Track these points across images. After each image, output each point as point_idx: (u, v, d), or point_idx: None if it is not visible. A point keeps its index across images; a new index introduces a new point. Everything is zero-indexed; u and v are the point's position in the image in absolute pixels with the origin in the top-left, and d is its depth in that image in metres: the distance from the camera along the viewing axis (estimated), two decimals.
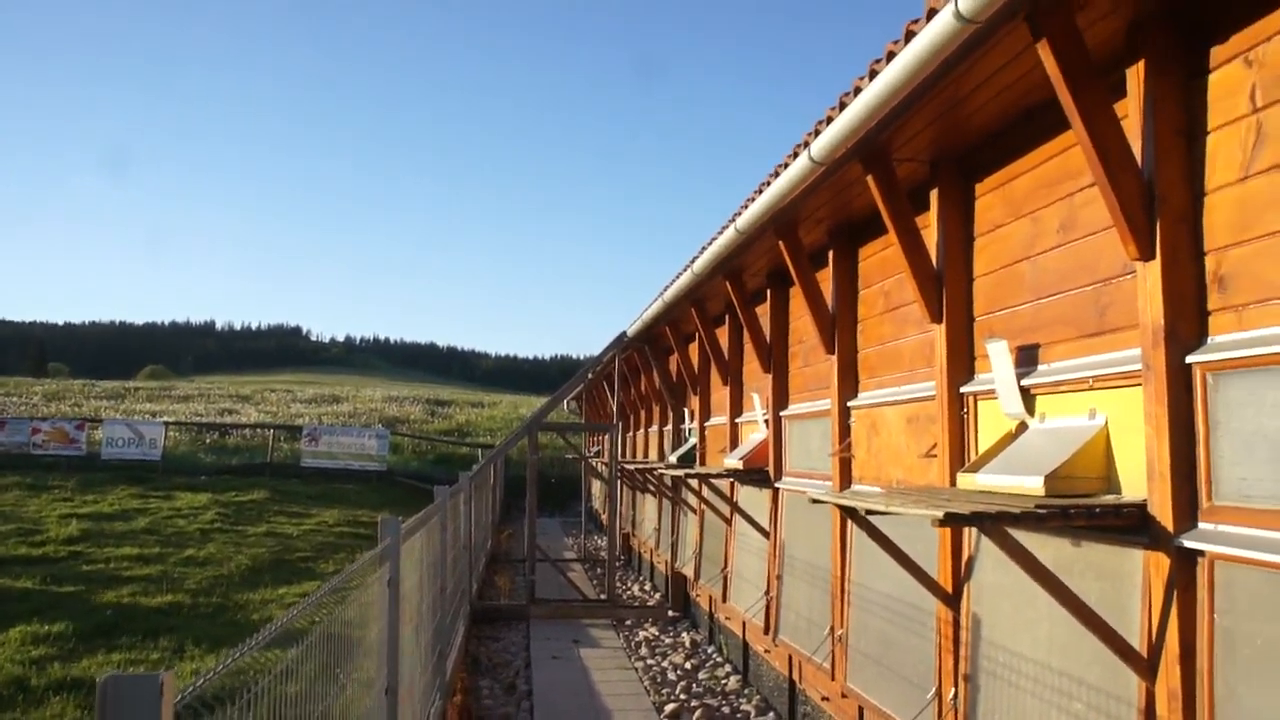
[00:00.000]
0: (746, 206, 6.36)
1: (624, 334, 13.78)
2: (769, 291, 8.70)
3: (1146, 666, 3.43)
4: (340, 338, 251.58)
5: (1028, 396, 4.40)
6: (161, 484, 25.77)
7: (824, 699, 7.23)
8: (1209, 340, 3.29)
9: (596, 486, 25.12)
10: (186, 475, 27.67)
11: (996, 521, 3.40)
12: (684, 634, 12.24)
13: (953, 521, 3.32)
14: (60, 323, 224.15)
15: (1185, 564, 3.29)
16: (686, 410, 13.47)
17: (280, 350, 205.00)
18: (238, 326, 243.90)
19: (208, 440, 34.03)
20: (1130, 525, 3.49)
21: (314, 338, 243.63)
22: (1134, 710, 3.52)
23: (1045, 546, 4.10)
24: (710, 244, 7.59)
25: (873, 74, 4.17)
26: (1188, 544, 3.26)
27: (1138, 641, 3.49)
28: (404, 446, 34.54)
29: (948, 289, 5.03)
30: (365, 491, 27.48)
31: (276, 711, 2.76)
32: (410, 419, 42.30)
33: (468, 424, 42.52)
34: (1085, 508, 3.47)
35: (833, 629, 6.83)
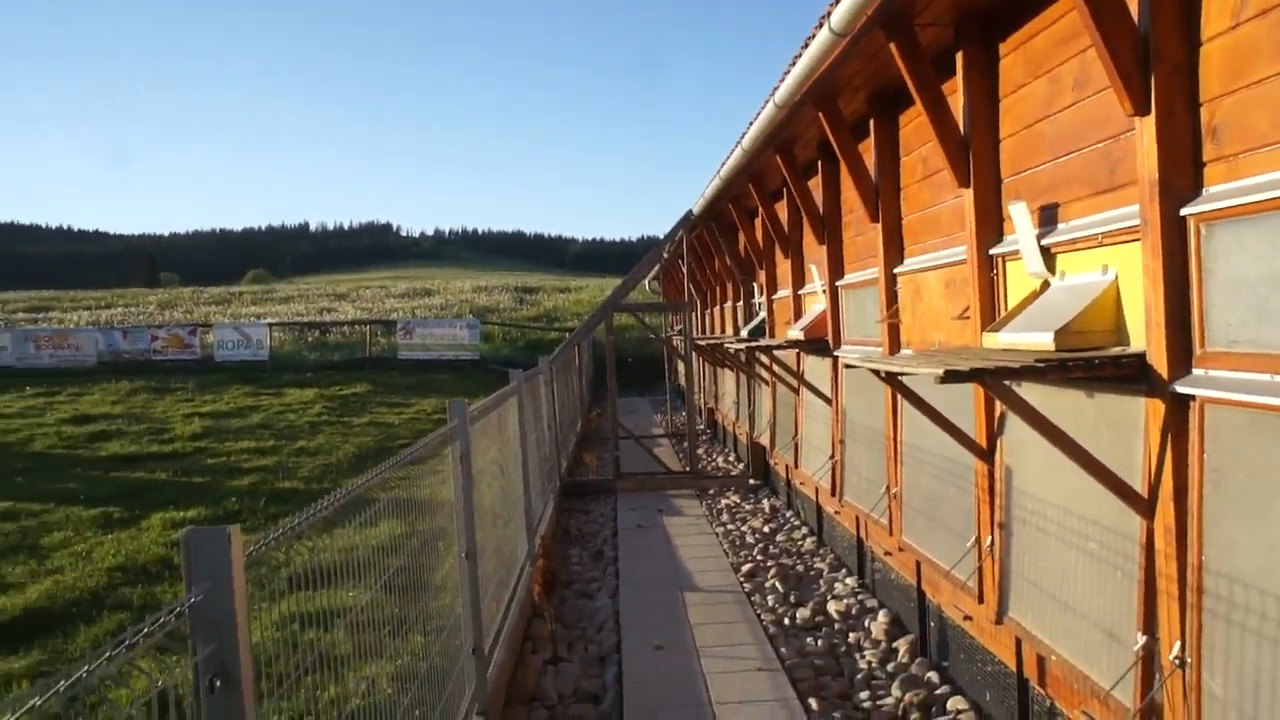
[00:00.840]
0: (783, 80, 6.40)
1: (690, 212, 13.89)
2: (820, 163, 8.72)
3: (1146, 506, 3.65)
4: (429, 231, 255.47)
5: (1048, 256, 4.50)
6: (271, 382, 27.33)
7: (886, 554, 7.62)
8: (1203, 192, 3.36)
9: (680, 365, 25.60)
10: (293, 372, 29.23)
11: (995, 376, 3.61)
12: (764, 500, 12.73)
13: (953, 378, 3.55)
14: (166, 234, 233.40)
15: (1179, 409, 3.46)
16: (755, 285, 13.64)
17: (372, 247, 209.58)
18: (330, 227, 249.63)
19: (309, 339, 35.69)
20: (1129, 375, 3.66)
21: (404, 233, 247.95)
22: (1136, 545, 3.76)
23: (1066, 400, 4.29)
24: (755, 119, 7.64)
25: None
26: (1181, 390, 3.43)
27: (1139, 484, 3.70)
28: (495, 335, 35.63)
29: (974, 153, 5.08)
30: (459, 380, 28.61)
31: (350, 563, 3.23)
32: (500, 308, 43.37)
33: (555, 309, 43.38)
34: (1083, 360, 3.65)
35: (888, 488, 7.15)
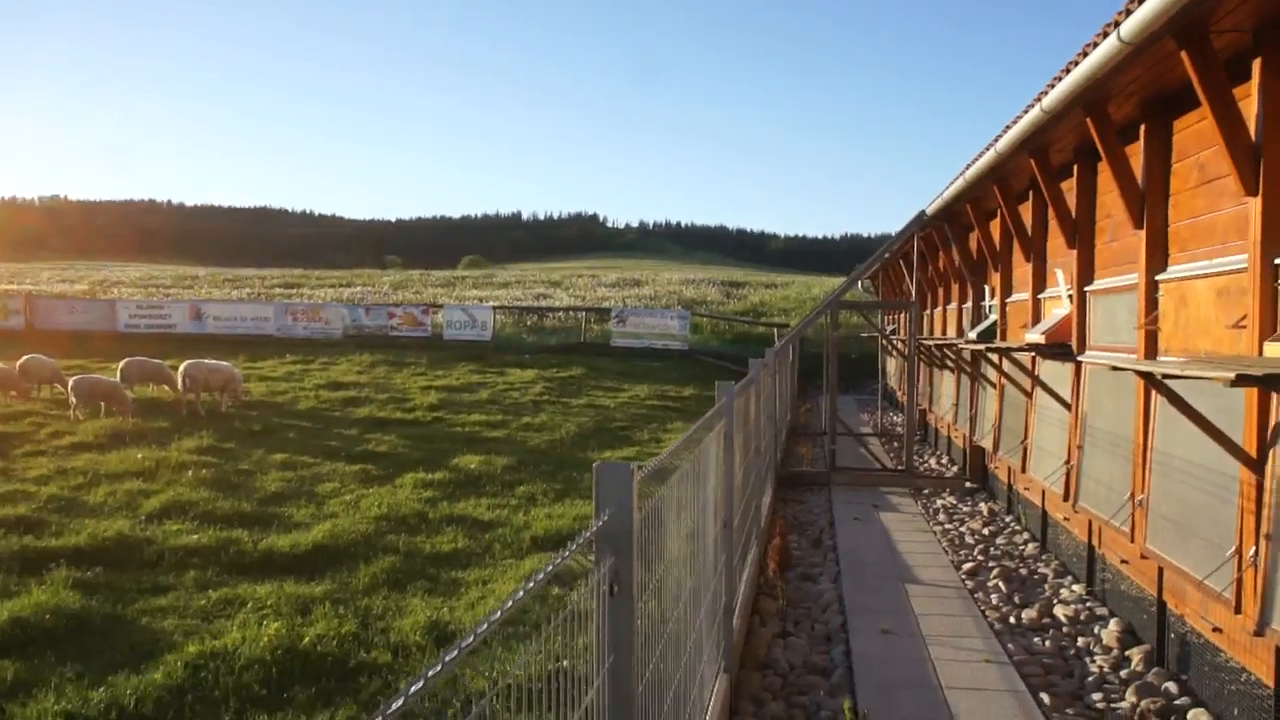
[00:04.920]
0: (1052, 86, 6.48)
1: (923, 213, 13.88)
2: (1075, 167, 8.63)
3: None
4: (634, 223, 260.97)
5: None
6: (494, 361, 29.13)
7: (1123, 562, 7.54)
8: None
9: (891, 365, 25.33)
10: (513, 353, 31.02)
11: None
12: (981, 504, 12.63)
13: (1244, 382, 3.67)
14: (393, 219, 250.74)
15: None
16: (987, 287, 13.47)
17: (580, 237, 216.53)
18: (541, 216, 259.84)
19: (528, 322, 37.66)
20: None
21: (610, 224, 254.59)
22: None
23: None
24: (1014, 123, 7.71)
25: None
26: None
27: None
28: (703, 327, 36.35)
29: (1265, 161, 5.05)
30: (669, 368, 29.44)
31: (669, 507, 3.75)
32: (707, 300, 44.10)
33: (762, 304, 43.65)
34: None
35: (1133, 494, 7.08)
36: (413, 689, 1.40)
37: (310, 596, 8.27)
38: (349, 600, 8.26)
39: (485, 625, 1.63)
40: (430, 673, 1.36)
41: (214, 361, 20.02)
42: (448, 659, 1.45)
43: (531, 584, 2.03)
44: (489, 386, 24.25)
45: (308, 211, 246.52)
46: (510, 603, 1.90)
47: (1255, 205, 5.13)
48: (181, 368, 18.90)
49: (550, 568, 2.18)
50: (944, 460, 16.62)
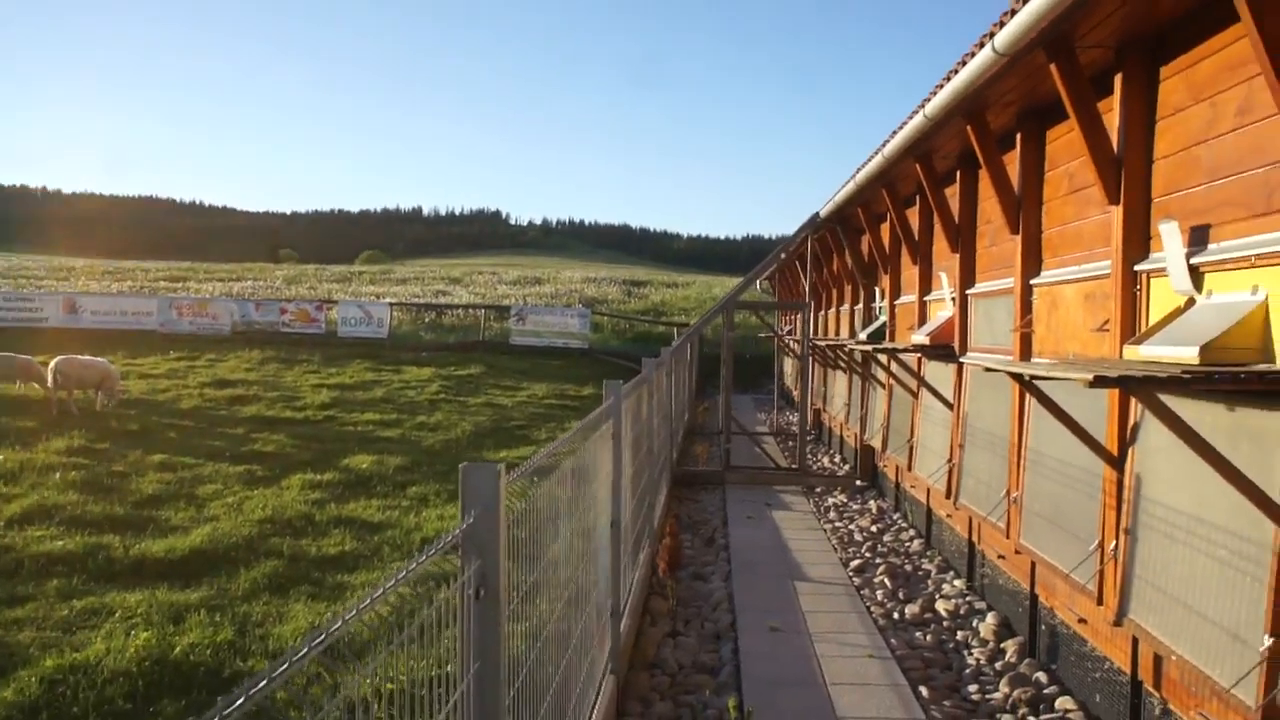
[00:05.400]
0: (935, 94, 6.66)
1: (816, 215, 14.14)
2: (958, 173, 8.91)
3: None
4: (537, 220, 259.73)
5: (1196, 274, 4.69)
6: (390, 359, 28.56)
7: (999, 557, 7.80)
8: None
9: (788, 364, 25.78)
10: (410, 351, 30.47)
11: (1142, 385, 3.85)
12: (871, 502, 12.93)
13: (1101, 384, 3.81)
14: (288, 212, 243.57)
15: None
16: (877, 289, 13.80)
17: (482, 233, 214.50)
18: (443, 212, 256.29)
19: (426, 319, 37.05)
20: (1275, 390, 3.86)
21: (513, 221, 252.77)
22: (1269, 552, 3.96)
23: (1205, 413, 4.48)
24: (900, 129, 7.90)
25: None
26: None
27: (1277, 494, 3.90)
28: (604, 325, 36.36)
29: (1126, 172, 5.28)
30: (569, 367, 29.35)
31: (548, 508, 3.70)
32: (608, 299, 44.15)
33: (663, 304, 43.93)
34: (1230, 374, 3.86)
35: (1009, 492, 7.34)
36: (227, 710, 1.31)
37: (185, 604, 7.93)
38: (227, 607, 7.94)
39: (307, 650, 1.54)
40: (238, 700, 1.26)
41: (88, 358, 19.04)
42: (261, 682, 1.36)
43: (379, 592, 1.95)
44: (384, 385, 23.75)
45: (198, 202, 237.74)
46: (354, 612, 1.82)
47: (1117, 214, 5.36)
48: (52, 364, 17.92)
49: (404, 574, 2.10)
50: (837, 459, 16.97)
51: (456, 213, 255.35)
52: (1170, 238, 4.75)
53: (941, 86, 6.42)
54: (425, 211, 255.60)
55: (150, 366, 25.04)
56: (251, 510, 11.24)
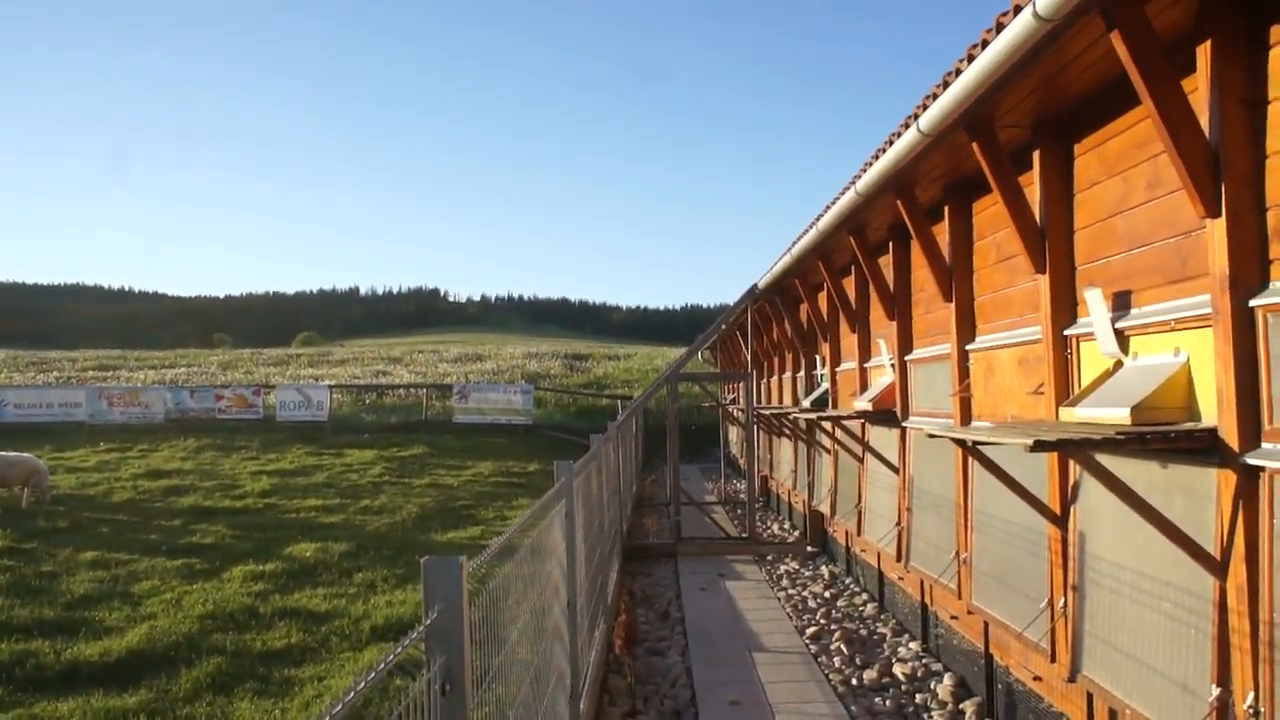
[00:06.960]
0: (865, 170, 6.93)
1: (755, 286, 14.42)
2: (891, 244, 9.21)
3: (1218, 567, 4.00)
4: (476, 297, 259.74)
5: (1122, 338, 4.91)
6: (331, 442, 28.06)
7: (952, 617, 7.89)
8: (1270, 286, 3.78)
9: (733, 433, 25.93)
10: (351, 433, 29.97)
11: (1080, 447, 4.01)
12: (822, 567, 12.99)
13: (1041, 448, 3.95)
14: (221, 295, 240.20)
15: (1249, 479, 3.83)
16: (818, 356, 14.06)
17: (420, 311, 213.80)
18: (380, 291, 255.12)
19: (367, 401, 36.54)
20: (1202, 447, 4.04)
21: (451, 298, 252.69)
22: (1209, 604, 4.09)
23: (1140, 470, 4.66)
24: (833, 204, 8.18)
25: (970, 58, 4.72)
26: (1251, 461, 3.80)
27: (1212, 547, 4.05)
28: (547, 400, 36.21)
29: (1050, 242, 5.54)
30: (514, 444, 29.12)
31: (506, 592, 3.68)
32: (551, 374, 44.10)
33: (605, 377, 44.00)
34: (1160, 433, 4.04)
35: (958, 553, 7.46)
36: None
37: (123, 709, 7.61)
38: (168, 710, 7.63)
39: None
40: None
41: (13, 454, 18.38)
42: None
43: (350, 696, 1.93)
44: (325, 469, 23.29)
45: (125, 288, 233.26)
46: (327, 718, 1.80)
47: (1044, 282, 5.61)
48: None
49: (361, 685, 2.05)
50: (786, 525, 17.03)
51: (394, 291, 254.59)
52: (1095, 304, 4.98)
53: (870, 164, 6.70)
54: (363, 291, 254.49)
55: (80, 459, 24.24)
56: (191, 606, 10.86)
